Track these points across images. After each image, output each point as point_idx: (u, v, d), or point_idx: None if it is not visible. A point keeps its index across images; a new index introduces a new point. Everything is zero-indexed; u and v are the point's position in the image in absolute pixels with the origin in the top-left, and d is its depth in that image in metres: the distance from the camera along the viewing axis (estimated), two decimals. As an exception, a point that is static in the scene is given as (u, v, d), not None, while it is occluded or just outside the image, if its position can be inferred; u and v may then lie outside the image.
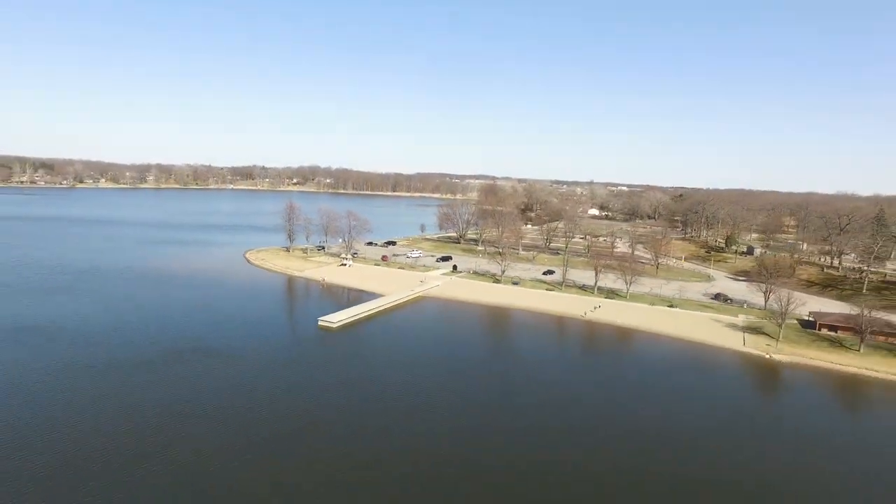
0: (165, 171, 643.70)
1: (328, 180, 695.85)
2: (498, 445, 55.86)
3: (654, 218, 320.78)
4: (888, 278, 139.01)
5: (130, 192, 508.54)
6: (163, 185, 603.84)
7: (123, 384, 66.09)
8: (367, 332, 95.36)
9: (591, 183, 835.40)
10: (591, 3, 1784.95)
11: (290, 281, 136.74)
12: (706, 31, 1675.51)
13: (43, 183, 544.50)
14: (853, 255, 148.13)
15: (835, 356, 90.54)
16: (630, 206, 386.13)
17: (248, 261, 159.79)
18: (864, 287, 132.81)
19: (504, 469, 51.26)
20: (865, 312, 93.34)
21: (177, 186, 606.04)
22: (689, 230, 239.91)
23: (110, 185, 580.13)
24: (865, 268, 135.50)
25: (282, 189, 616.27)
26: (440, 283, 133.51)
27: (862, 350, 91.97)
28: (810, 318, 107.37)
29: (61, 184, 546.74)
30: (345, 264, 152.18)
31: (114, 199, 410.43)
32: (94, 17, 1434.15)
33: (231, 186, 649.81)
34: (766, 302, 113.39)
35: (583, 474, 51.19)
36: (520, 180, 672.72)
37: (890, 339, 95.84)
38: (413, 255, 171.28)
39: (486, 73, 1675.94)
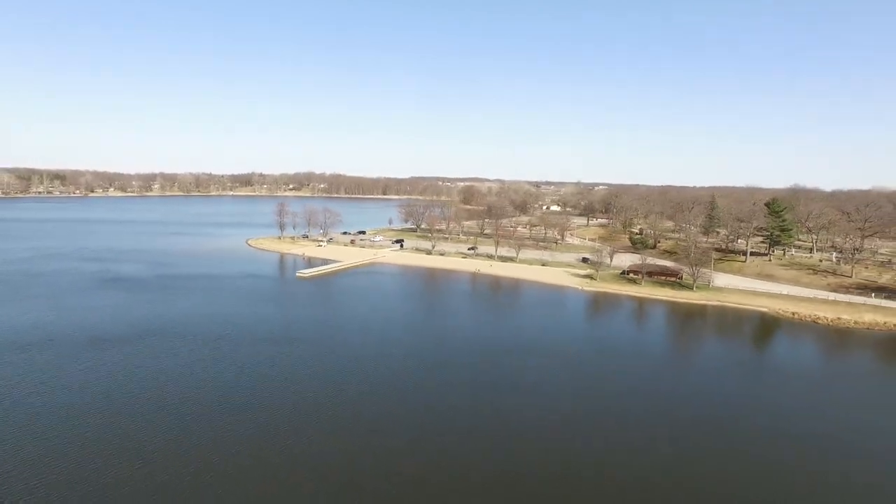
0: (169, 180, 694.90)
1: (322, 185, 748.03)
2: (394, 321, 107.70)
3: (603, 210, 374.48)
4: (715, 245, 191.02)
5: (139, 200, 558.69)
6: (168, 193, 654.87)
7: (172, 300, 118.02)
8: (329, 280, 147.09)
9: (577, 183, 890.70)
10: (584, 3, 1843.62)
11: (281, 256, 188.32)
12: (707, 29, 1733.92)
13: (58, 193, 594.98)
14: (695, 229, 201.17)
15: (624, 287, 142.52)
16: (586, 202, 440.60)
17: (249, 245, 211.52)
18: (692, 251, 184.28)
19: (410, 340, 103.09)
20: (646, 261, 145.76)
21: (181, 194, 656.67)
22: (610, 218, 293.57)
23: (119, 193, 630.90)
24: (694, 238, 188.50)
25: (279, 194, 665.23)
26: (388, 255, 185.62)
27: (643, 284, 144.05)
28: (626, 269, 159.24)
29: (74, 193, 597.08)
30: (321, 245, 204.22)
31: (126, 205, 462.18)
32: (90, 25, 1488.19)
33: (231, 192, 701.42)
34: (610, 260, 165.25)
35: (467, 342, 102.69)
36: (510, 182, 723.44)
37: (665, 278, 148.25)
38: (375, 240, 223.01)
39: (477, 78, 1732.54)
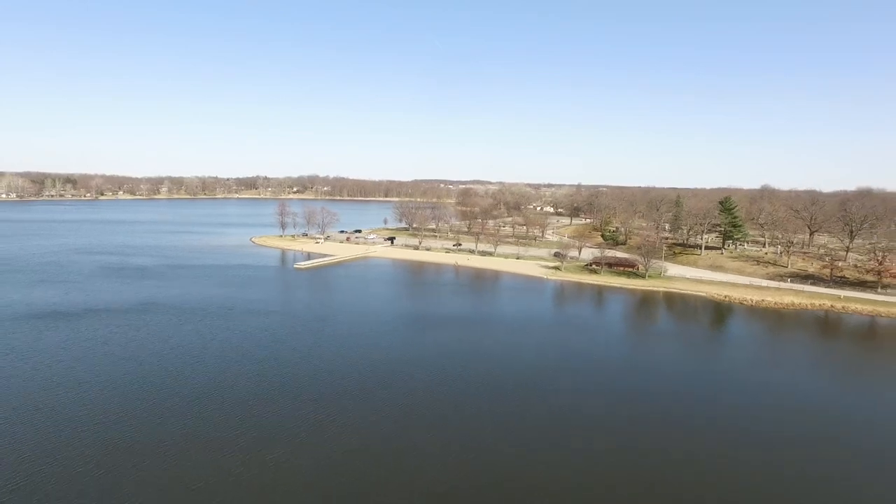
0: (177, 183, 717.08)
1: (326, 188, 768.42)
2: (384, 300, 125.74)
3: (588, 211, 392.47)
4: (678, 240, 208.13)
5: (148, 202, 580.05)
6: (175, 196, 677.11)
7: (181, 282, 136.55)
8: (324, 270, 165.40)
9: (578, 185, 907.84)
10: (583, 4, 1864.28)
11: (282, 252, 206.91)
12: (710, 28, 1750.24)
13: (70, 196, 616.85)
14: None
15: (585, 277, 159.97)
16: (576, 203, 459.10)
17: (253, 242, 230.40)
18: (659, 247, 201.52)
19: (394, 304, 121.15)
20: (604, 253, 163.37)
21: (187, 196, 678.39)
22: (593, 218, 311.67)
23: (128, 196, 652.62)
24: (658, 234, 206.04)
25: (283, 197, 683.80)
26: (379, 250, 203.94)
27: (602, 273, 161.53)
28: (589, 261, 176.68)
29: (85, 196, 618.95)
30: (318, 242, 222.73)
31: (136, 207, 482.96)
32: (92, 31, 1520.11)
33: (236, 195, 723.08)
34: (579, 253, 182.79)
35: (439, 315, 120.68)
36: (510, 184, 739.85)
37: (623, 268, 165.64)
38: (369, 238, 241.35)
39: (478, 80, 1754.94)
